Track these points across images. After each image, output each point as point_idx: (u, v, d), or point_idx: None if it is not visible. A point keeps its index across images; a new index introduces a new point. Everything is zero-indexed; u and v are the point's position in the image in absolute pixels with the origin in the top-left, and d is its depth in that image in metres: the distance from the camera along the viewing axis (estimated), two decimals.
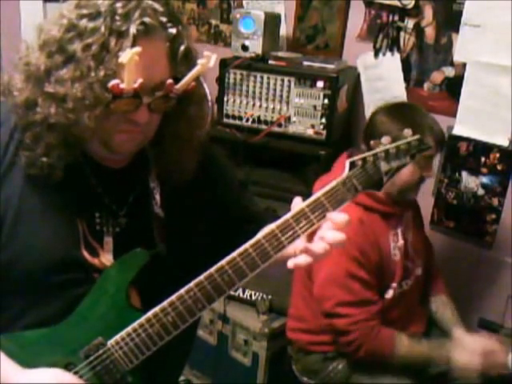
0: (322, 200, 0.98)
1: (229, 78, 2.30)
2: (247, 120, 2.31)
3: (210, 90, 2.90)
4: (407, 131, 1.07)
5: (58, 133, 0.96)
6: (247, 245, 0.98)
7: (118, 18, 0.90)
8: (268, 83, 2.25)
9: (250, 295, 2.31)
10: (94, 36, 0.90)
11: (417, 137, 1.06)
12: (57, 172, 1.00)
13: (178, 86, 0.97)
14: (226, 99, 2.33)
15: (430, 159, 1.78)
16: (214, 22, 2.82)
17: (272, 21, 2.38)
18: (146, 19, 0.91)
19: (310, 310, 1.88)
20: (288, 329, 2.01)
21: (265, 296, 2.28)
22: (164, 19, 0.94)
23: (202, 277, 0.99)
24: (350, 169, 1.00)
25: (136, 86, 0.91)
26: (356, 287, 1.69)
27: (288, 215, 0.98)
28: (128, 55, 0.88)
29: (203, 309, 1.00)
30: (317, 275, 1.76)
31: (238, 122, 2.33)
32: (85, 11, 0.91)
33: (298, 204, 0.99)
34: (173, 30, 0.95)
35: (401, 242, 1.83)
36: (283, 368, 2.09)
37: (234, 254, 0.98)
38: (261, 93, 2.27)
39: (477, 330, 2.00)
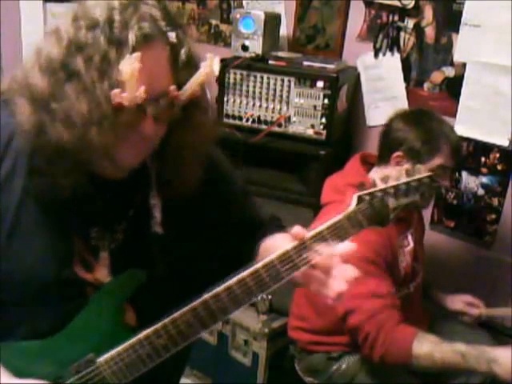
0: (325, 234, 0.97)
1: (229, 78, 2.30)
2: (247, 120, 2.31)
3: (210, 89, 2.89)
4: (419, 167, 1.04)
5: (69, 159, 0.94)
6: (245, 274, 0.97)
7: (115, 26, 0.89)
8: (268, 83, 2.25)
9: None
10: (93, 47, 0.88)
11: (429, 174, 1.04)
12: (66, 191, 0.97)
13: (182, 93, 0.95)
14: (226, 99, 2.33)
15: (447, 169, 1.79)
16: (213, 22, 2.82)
17: (272, 21, 2.38)
18: (145, 26, 0.89)
19: (313, 310, 1.87)
20: (289, 327, 2.00)
21: (265, 296, 2.28)
22: (163, 25, 0.92)
23: (196, 302, 0.97)
24: (358, 203, 0.98)
25: (139, 95, 0.89)
26: (366, 280, 1.60)
27: (289, 247, 0.97)
28: (128, 66, 0.87)
29: (196, 334, 0.98)
30: None
31: (237, 122, 2.33)
32: (82, 23, 0.90)
33: (297, 231, 0.97)
34: (172, 36, 0.93)
35: (411, 245, 1.84)
36: (284, 367, 2.09)
37: (232, 281, 0.97)
38: (261, 93, 2.27)
39: (476, 329, 2.01)
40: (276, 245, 1.02)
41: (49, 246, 1.01)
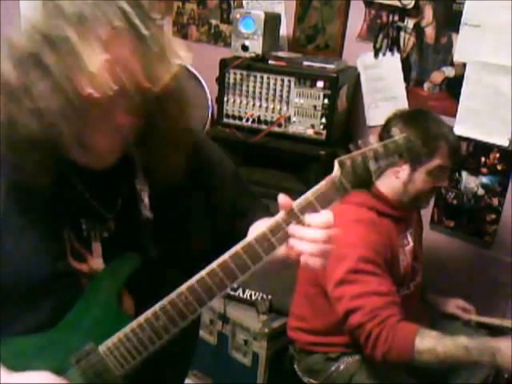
0: (312, 200, 0.97)
1: (229, 78, 2.30)
2: (247, 120, 2.31)
3: (210, 89, 2.91)
4: (395, 130, 1.05)
5: (43, 149, 0.94)
6: (238, 247, 0.96)
7: (86, 22, 0.88)
8: (268, 83, 2.25)
9: (250, 295, 2.31)
10: (64, 44, 0.88)
11: (403, 135, 1.06)
12: (45, 184, 0.98)
13: (152, 85, 0.93)
14: (226, 99, 2.33)
15: (445, 169, 1.79)
16: (213, 21, 2.82)
17: (272, 21, 2.38)
18: (115, 20, 0.89)
19: (313, 310, 1.87)
20: (289, 328, 2.00)
21: (265, 296, 2.28)
22: (134, 20, 0.91)
23: (193, 280, 0.97)
24: (339, 168, 0.99)
25: (110, 91, 0.89)
26: (366, 279, 1.64)
27: (278, 216, 0.97)
28: (97, 62, 0.87)
29: (195, 312, 0.99)
30: (330, 279, 1.70)
31: (237, 122, 2.33)
32: (54, 19, 0.90)
33: (285, 202, 0.98)
34: (144, 32, 0.92)
35: (411, 244, 1.84)
36: (284, 367, 2.09)
37: (226, 255, 0.97)
38: (261, 93, 2.27)
39: (476, 329, 2.01)
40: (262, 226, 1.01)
41: (40, 242, 1.02)
